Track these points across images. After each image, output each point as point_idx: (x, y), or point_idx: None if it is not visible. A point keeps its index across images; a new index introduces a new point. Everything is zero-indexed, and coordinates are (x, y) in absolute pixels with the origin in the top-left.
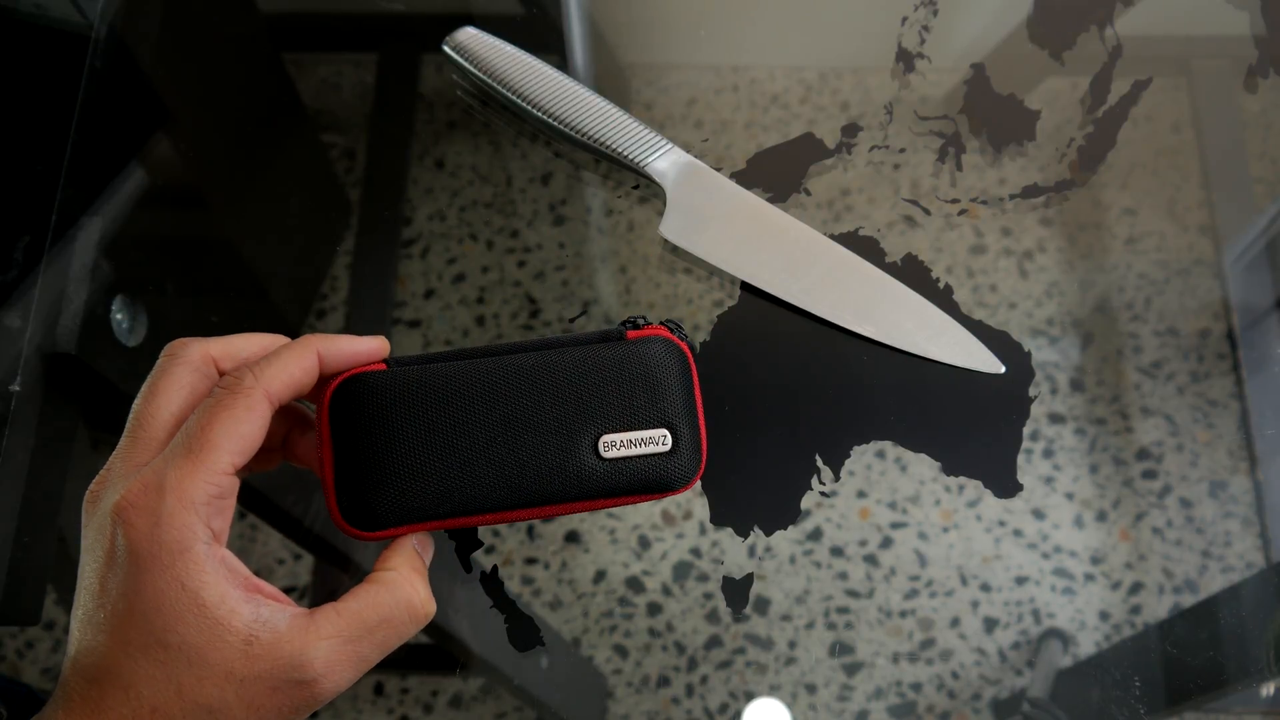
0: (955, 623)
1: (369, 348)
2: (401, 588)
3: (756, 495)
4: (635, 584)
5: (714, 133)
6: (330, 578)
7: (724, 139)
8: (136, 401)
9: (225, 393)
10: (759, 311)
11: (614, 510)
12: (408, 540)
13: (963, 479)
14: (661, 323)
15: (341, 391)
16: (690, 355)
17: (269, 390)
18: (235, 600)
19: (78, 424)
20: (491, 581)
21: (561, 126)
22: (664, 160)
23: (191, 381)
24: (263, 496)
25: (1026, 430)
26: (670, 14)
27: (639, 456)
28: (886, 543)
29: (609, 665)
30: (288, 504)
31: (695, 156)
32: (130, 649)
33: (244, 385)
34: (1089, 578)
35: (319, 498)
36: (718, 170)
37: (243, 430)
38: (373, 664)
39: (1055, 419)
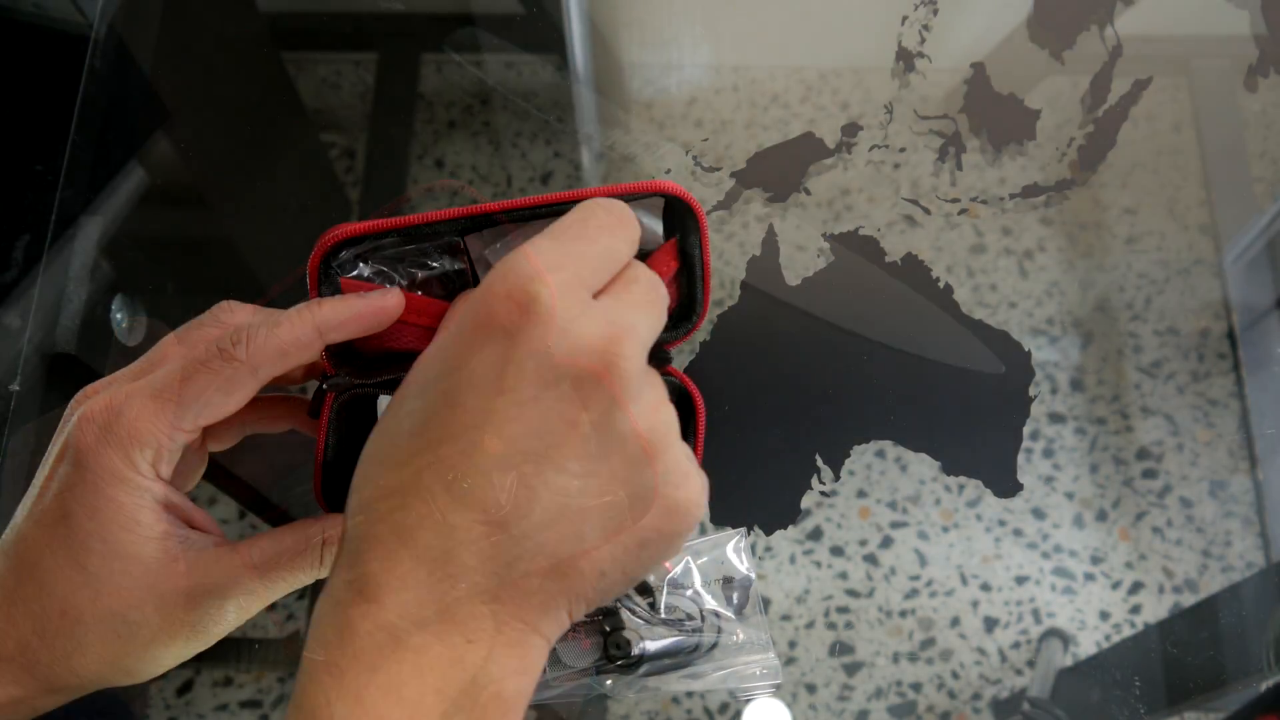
0: (955, 622)
1: (374, 309)
2: (312, 527)
3: (756, 495)
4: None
5: (714, 132)
6: None
7: (724, 139)
8: (168, 335)
9: (216, 358)
10: (759, 311)
11: None
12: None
13: (963, 479)
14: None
15: (348, 405)
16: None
17: (256, 367)
18: (167, 522)
19: None
20: None
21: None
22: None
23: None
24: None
25: (1026, 430)
26: (670, 14)
27: None
28: (886, 542)
29: None
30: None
31: (695, 156)
32: (55, 546)
33: (235, 357)
34: (1089, 577)
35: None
36: (717, 170)
37: (214, 399)
38: (279, 595)
39: (1055, 418)
